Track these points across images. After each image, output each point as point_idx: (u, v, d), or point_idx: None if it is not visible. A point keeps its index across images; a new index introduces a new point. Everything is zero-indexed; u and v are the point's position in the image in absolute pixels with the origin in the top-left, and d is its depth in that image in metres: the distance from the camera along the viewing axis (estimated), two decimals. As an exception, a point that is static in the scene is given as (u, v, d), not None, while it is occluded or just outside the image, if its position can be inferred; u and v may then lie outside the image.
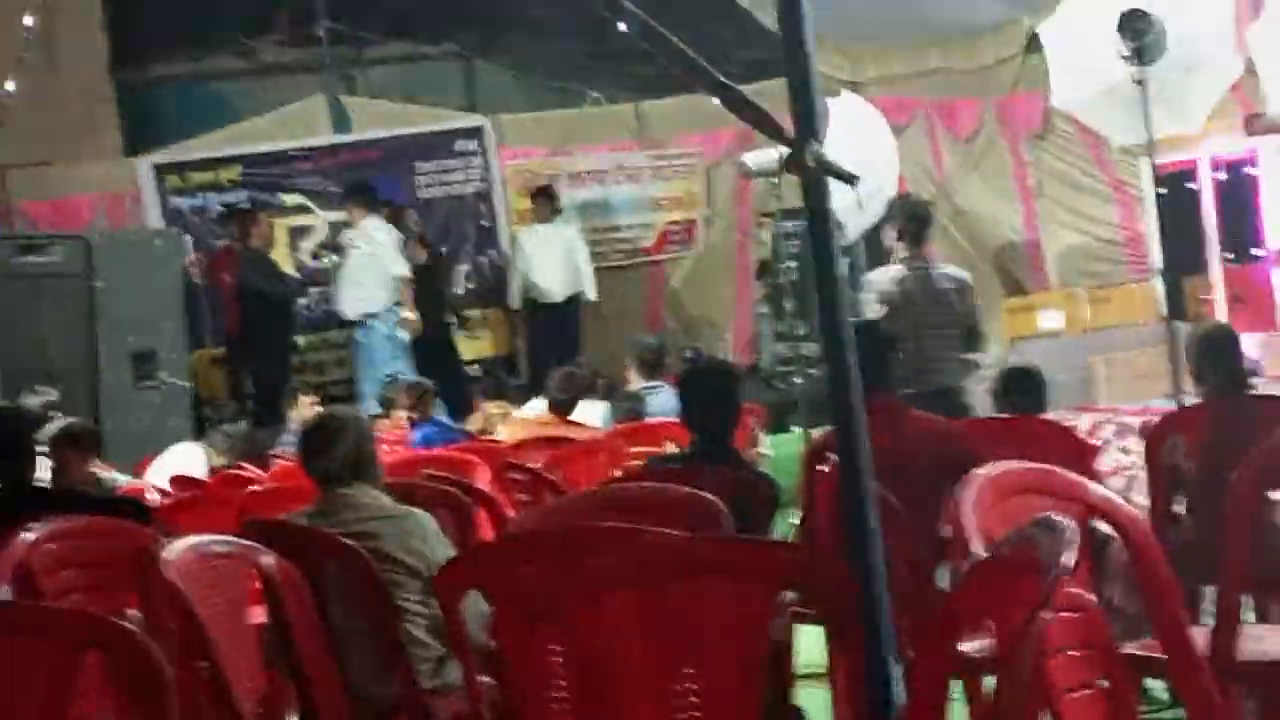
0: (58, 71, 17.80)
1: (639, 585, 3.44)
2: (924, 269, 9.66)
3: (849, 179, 3.40)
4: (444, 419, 12.88)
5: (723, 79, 3.27)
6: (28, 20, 14.28)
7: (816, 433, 10.08)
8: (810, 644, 5.18)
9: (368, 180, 16.26)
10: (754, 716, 3.48)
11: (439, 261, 16.70)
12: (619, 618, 3.41)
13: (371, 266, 15.24)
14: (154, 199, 16.80)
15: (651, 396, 10.74)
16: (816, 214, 3.45)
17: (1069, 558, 2.75)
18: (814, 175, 3.25)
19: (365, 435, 5.83)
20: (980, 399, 9.31)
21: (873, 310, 9.63)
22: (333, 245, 16.37)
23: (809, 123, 3.26)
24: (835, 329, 3.54)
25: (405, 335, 15.26)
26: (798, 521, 7.22)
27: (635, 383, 11.17)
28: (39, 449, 7.24)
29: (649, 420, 10.23)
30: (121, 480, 10.13)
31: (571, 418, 10.71)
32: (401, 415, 12.28)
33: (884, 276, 9.59)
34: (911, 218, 9.78)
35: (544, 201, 16.60)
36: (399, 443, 11.29)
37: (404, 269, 15.25)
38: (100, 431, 11.12)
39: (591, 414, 10.93)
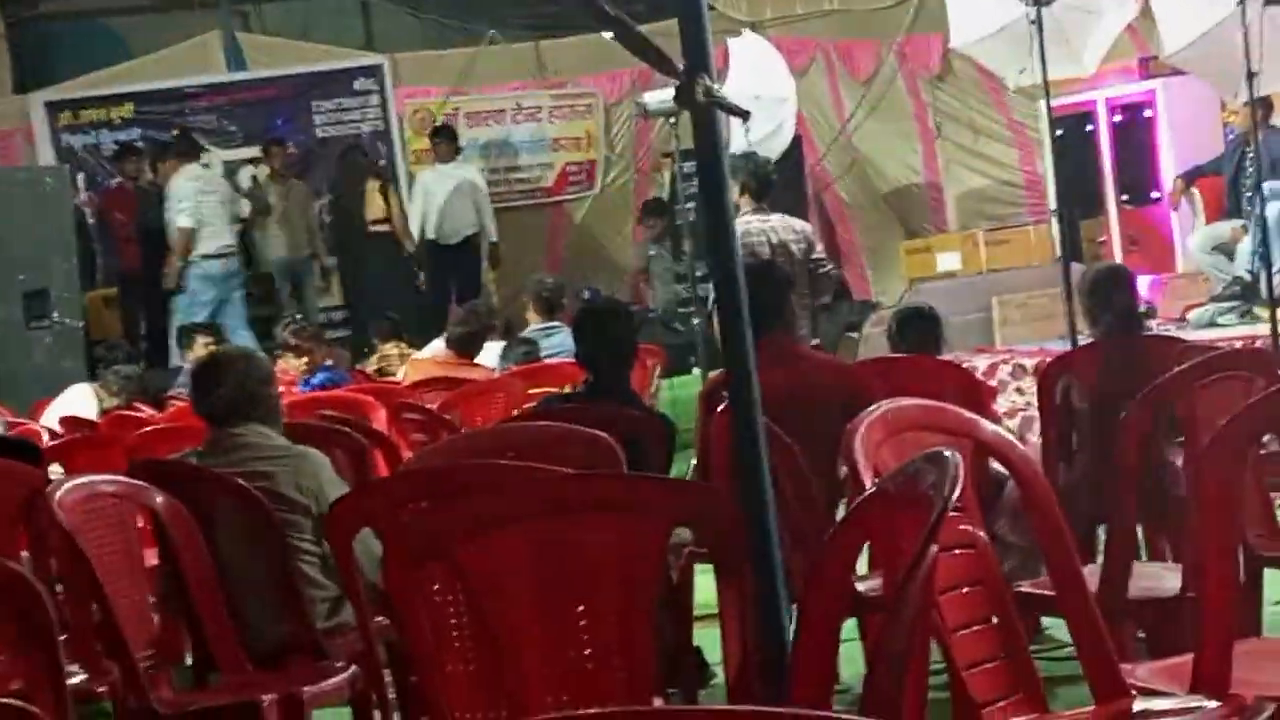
0: (-54, 8, 17.54)
1: (528, 522, 3.43)
2: (766, 221, 10.21)
3: (740, 113, 3.39)
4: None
5: (613, 12, 3.24)
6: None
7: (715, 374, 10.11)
8: (709, 584, 5.20)
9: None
10: (648, 654, 3.48)
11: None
12: (509, 555, 3.40)
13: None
14: (46, 136, 16.56)
15: (550, 336, 10.72)
16: (707, 150, 3.43)
17: (955, 491, 2.75)
18: (704, 109, 3.23)
19: (254, 375, 5.76)
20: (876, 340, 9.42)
21: None
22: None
23: (700, 57, 3.24)
24: (726, 268, 3.53)
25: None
26: (694, 462, 7.23)
27: (534, 322, 11.14)
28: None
29: (547, 360, 10.22)
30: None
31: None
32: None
33: (739, 225, 9.99)
34: (754, 175, 10.33)
35: (443, 141, 16.50)
36: (293, 383, 11.23)
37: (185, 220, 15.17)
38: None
39: (488, 355, 10.90)
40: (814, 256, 10.40)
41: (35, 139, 16.58)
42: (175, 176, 15.18)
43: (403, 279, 16.15)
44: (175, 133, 16.19)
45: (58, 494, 4.79)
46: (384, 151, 17.32)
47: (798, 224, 10.63)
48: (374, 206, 16.14)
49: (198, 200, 15.02)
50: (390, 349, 13.09)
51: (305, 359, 12.06)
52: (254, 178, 16.21)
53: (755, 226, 10.00)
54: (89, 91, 16.98)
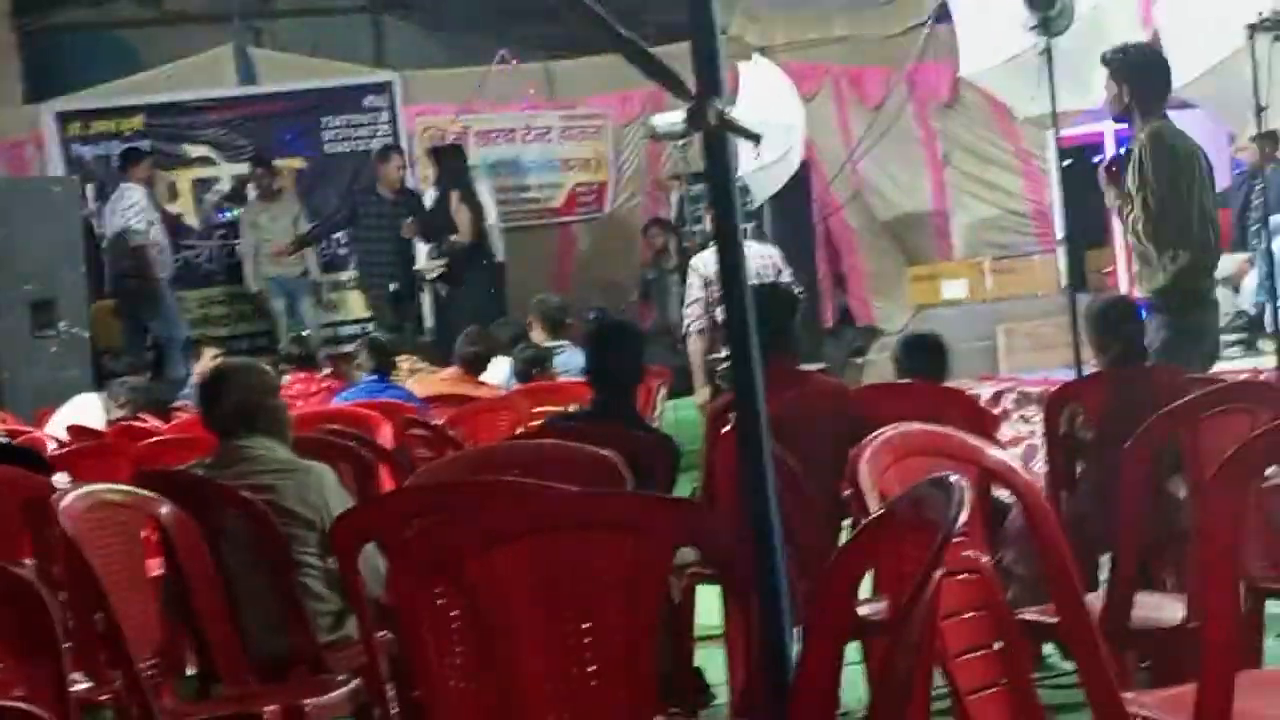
0: (-42, 17, 17.59)
1: (534, 538, 3.44)
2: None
3: (751, 137, 3.40)
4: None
5: (624, 32, 3.25)
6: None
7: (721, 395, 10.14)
8: (711, 606, 5.21)
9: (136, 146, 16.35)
10: (650, 672, 3.49)
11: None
12: (514, 571, 3.40)
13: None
14: (56, 147, 16.60)
15: (555, 356, 10.75)
16: (718, 173, 3.44)
17: (961, 516, 2.76)
18: (716, 132, 3.24)
19: (258, 387, 5.78)
20: (881, 366, 9.45)
21: (697, 289, 11.28)
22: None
23: (712, 80, 3.25)
24: (734, 291, 3.54)
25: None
26: (699, 484, 7.25)
27: (540, 341, 11.18)
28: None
29: (555, 380, 10.25)
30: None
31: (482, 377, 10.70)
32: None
33: (707, 256, 10.20)
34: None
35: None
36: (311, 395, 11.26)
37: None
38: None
39: (497, 372, 10.92)
40: (782, 281, 10.62)
41: (45, 149, 16.63)
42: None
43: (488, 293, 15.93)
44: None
45: (63, 502, 4.79)
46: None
47: (767, 249, 11.25)
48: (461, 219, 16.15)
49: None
50: (402, 364, 13.10)
51: (314, 371, 12.09)
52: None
53: (711, 255, 10.19)
54: (100, 103, 17.02)
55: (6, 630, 3.62)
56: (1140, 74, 7.95)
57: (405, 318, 16.14)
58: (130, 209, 15.22)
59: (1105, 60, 8.10)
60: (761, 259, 10.66)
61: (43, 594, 3.61)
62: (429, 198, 16.11)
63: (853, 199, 17.11)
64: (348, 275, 17.24)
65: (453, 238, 15.71)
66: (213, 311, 16.47)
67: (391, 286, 16.15)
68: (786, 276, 11.20)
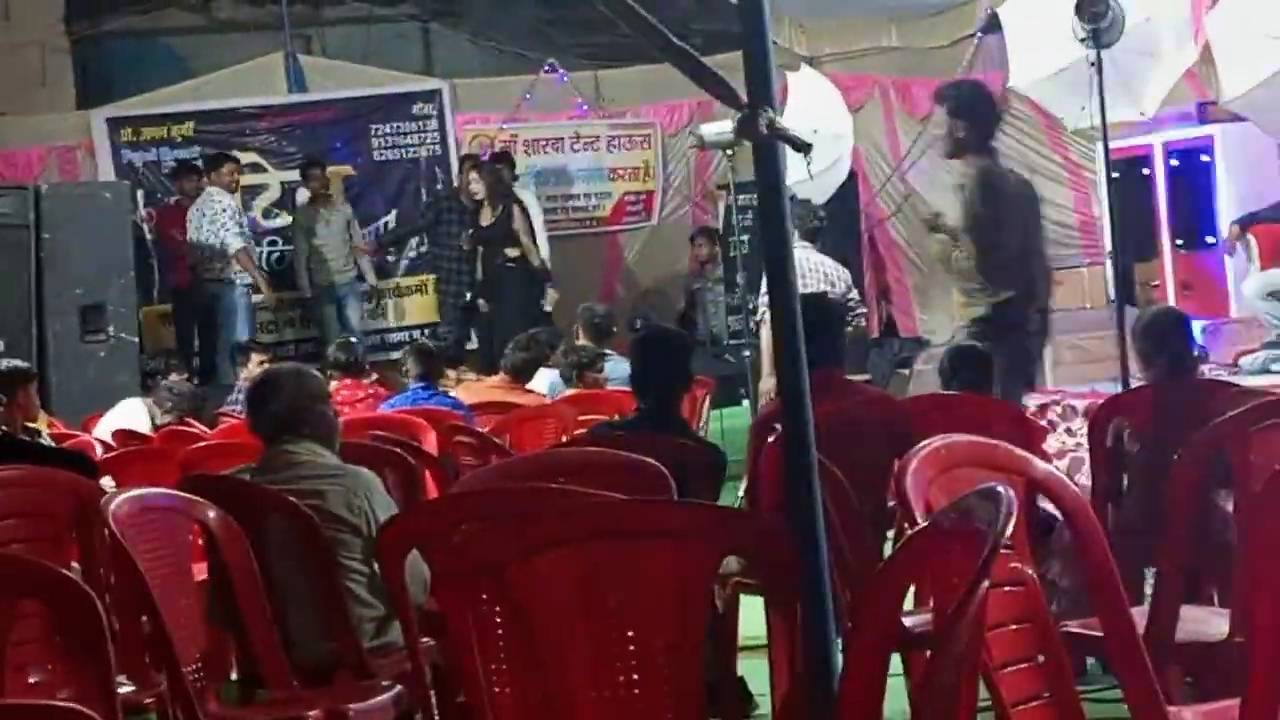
0: (12, 23, 17.68)
1: (579, 545, 3.44)
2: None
3: (802, 146, 3.40)
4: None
5: (676, 40, 3.26)
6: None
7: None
8: (755, 616, 5.20)
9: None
10: (694, 680, 3.48)
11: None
12: (559, 579, 3.41)
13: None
14: (106, 152, 16.70)
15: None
16: (768, 182, 3.44)
17: (1008, 527, 2.76)
18: (766, 141, 3.24)
19: (306, 391, 5.78)
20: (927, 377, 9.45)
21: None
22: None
23: (763, 89, 3.26)
24: (783, 300, 3.54)
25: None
26: (743, 492, 7.24)
27: (584, 349, 11.19)
28: None
29: (602, 383, 10.28)
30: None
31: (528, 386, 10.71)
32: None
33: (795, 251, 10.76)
34: (802, 219, 10.94)
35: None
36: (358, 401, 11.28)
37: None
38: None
39: (541, 381, 10.93)
40: (850, 298, 10.67)
41: (96, 155, 16.73)
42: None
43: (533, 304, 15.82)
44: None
45: (111, 505, 4.81)
46: (441, 176, 17.38)
47: (840, 268, 11.27)
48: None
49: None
50: (449, 372, 13.12)
51: (361, 378, 12.10)
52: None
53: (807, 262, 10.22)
54: (150, 109, 17.12)
55: (55, 632, 3.64)
56: (972, 111, 8.08)
57: (473, 326, 16.18)
58: (224, 214, 15.31)
59: (939, 97, 8.24)
60: (816, 267, 10.71)
61: (92, 597, 3.63)
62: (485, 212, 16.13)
63: (900, 210, 17.09)
64: (395, 282, 17.28)
65: (509, 250, 15.73)
66: (261, 317, 16.52)
67: (467, 295, 16.19)
68: (841, 288, 11.19)
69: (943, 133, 8.16)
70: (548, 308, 15.56)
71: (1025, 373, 8.05)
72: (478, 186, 15.92)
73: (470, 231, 15.99)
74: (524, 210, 16.02)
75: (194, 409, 11.38)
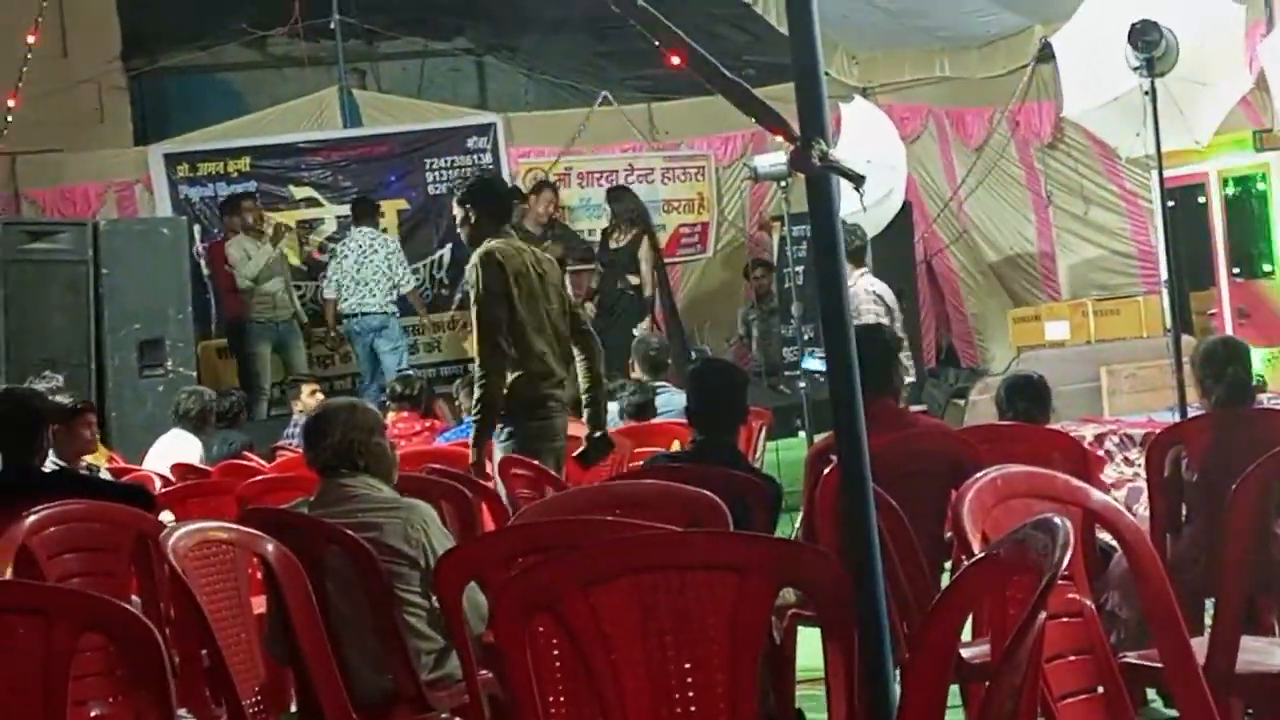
0: (70, 60, 17.84)
1: (637, 577, 3.45)
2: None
3: (855, 178, 3.41)
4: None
5: (728, 73, 3.27)
6: (30, 39, 14.23)
7: (821, 437, 10.12)
8: (812, 648, 5.19)
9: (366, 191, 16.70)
10: (751, 712, 3.49)
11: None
12: (616, 610, 3.42)
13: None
14: (164, 188, 16.77)
15: (656, 396, 10.75)
16: (822, 214, 3.45)
17: (1066, 558, 2.75)
18: (819, 173, 3.25)
19: (359, 425, 5.79)
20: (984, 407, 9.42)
21: (869, 303, 11.36)
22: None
23: (816, 121, 3.27)
24: (837, 331, 3.55)
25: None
26: (799, 524, 7.23)
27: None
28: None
29: (656, 420, 10.25)
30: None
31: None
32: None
33: (876, 281, 11.43)
34: (850, 240, 10.81)
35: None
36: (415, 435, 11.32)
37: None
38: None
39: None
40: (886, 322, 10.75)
41: (154, 190, 16.81)
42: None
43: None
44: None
45: (171, 539, 4.84)
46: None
47: (879, 286, 11.41)
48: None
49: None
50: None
51: (419, 410, 12.15)
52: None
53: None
54: (207, 145, 17.21)
55: (117, 665, 3.66)
56: (483, 199, 8.51)
57: None
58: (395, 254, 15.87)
59: (453, 192, 8.56)
60: (867, 289, 10.80)
61: (153, 630, 3.65)
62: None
63: (957, 240, 17.07)
64: (451, 315, 17.28)
65: (630, 277, 15.77)
66: (315, 351, 16.56)
67: None
68: (885, 306, 11.23)
69: (459, 219, 8.51)
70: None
71: (556, 445, 8.22)
72: (545, 211, 15.98)
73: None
74: (654, 241, 16.09)
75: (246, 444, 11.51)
